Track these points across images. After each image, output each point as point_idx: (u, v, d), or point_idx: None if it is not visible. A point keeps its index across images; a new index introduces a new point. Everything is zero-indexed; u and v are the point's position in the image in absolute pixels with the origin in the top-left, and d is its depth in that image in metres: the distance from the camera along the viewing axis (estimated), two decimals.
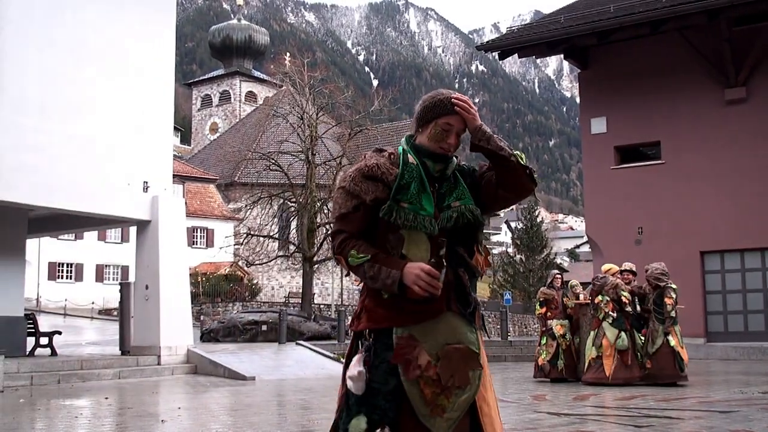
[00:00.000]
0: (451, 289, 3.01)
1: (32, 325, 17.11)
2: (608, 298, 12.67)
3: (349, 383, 2.94)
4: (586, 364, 12.82)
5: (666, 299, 12.55)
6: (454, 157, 3.17)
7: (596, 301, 12.81)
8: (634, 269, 13.49)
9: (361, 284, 3.17)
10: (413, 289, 2.87)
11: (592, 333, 12.86)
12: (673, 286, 12.94)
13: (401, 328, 2.96)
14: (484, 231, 3.41)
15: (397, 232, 3.00)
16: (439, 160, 3.11)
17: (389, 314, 2.99)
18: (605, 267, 13.49)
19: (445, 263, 2.98)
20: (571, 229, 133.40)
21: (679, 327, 12.69)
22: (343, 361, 3.13)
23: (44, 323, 21.90)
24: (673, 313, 12.61)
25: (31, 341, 16.84)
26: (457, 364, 2.96)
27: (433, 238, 3.01)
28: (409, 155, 3.11)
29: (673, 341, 12.46)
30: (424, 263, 2.91)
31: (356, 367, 2.96)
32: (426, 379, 2.92)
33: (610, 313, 12.60)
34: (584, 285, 14.91)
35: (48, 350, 16.83)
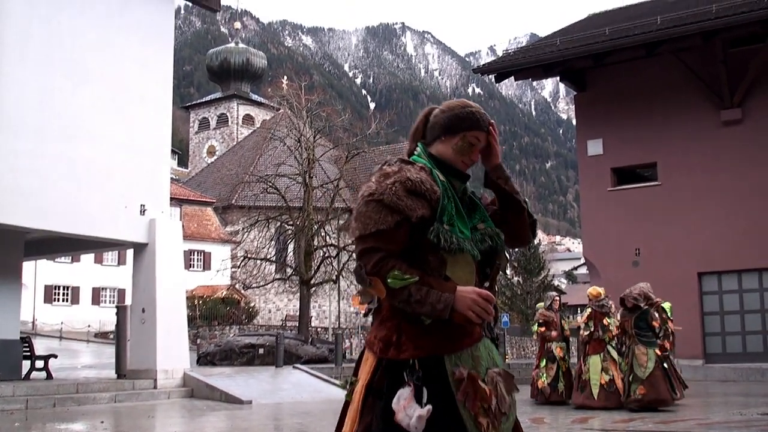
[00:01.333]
0: None
1: (28, 349, 17.03)
2: (616, 322, 12.53)
3: (406, 420, 2.60)
4: (597, 389, 12.45)
5: (654, 322, 12.30)
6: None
7: (605, 323, 12.60)
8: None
9: (362, 307, 3.01)
10: (467, 314, 2.66)
11: (596, 357, 12.64)
12: (666, 304, 12.80)
13: (454, 357, 2.73)
14: None
15: (437, 254, 2.76)
16: (461, 178, 2.95)
17: (438, 341, 2.73)
18: (594, 291, 13.25)
19: (486, 286, 2.86)
20: (569, 250, 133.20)
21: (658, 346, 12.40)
22: (351, 387, 2.87)
23: (40, 346, 21.82)
24: (660, 334, 12.44)
25: (26, 365, 16.75)
26: (501, 389, 2.80)
27: (476, 261, 2.83)
28: (436, 171, 2.89)
29: (664, 363, 12.22)
30: (474, 287, 2.73)
31: (413, 405, 2.63)
32: (480, 409, 2.72)
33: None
34: (581, 307, 14.86)
35: (43, 374, 16.74)
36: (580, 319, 13.66)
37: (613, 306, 12.87)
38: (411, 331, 2.73)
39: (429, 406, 2.61)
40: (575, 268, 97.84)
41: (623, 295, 12.51)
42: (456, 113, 2.94)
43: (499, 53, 46.28)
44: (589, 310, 12.98)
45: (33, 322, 43.53)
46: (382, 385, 2.73)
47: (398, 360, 2.72)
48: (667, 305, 13.81)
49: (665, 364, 12.63)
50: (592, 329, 12.69)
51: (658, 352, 12.17)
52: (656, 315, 12.30)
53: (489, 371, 2.78)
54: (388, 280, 2.66)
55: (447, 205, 2.81)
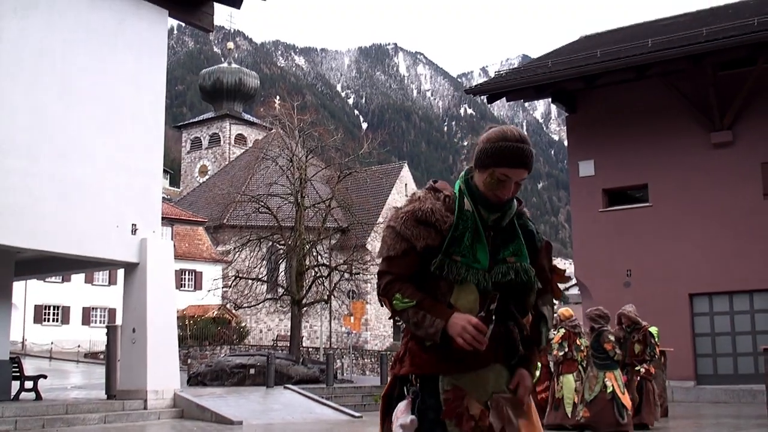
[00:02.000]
0: (501, 342, 2.93)
1: (17, 369, 16.94)
2: (586, 342, 12.51)
3: (399, 431, 2.86)
4: (571, 407, 12.45)
5: (606, 344, 12.21)
6: (514, 203, 3.03)
7: (578, 343, 12.62)
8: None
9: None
10: (457, 340, 2.78)
11: (570, 376, 12.61)
12: (653, 329, 12.78)
13: (447, 378, 2.88)
14: None
15: (446, 280, 2.89)
16: (494, 209, 2.96)
17: (434, 361, 2.90)
18: (566, 312, 13.20)
19: (493, 318, 2.88)
20: None
21: (619, 372, 12.24)
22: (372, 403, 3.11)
23: (29, 367, 21.69)
24: (617, 357, 12.35)
25: (15, 385, 16.66)
26: (507, 413, 2.90)
27: (484, 291, 2.89)
28: (465, 199, 2.96)
29: (611, 387, 12.13)
30: (472, 316, 2.82)
31: (406, 414, 2.86)
32: (479, 429, 2.85)
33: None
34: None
35: (33, 394, 16.64)
36: (554, 339, 13.60)
37: (582, 327, 12.93)
38: (414, 350, 2.94)
39: (412, 417, 2.84)
40: (567, 289, 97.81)
41: (585, 313, 12.55)
42: (487, 148, 2.96)
43: (491, 74, 46.48)
44: (562, 330, 12.92)
45: (23, 342, 43.27)
46: (394, 396, 3.00)
47: (401, 375, 2.98)
48: (654, 329, 13.78)
49: (645, 386, 12.62)
50: (566, 349, 12.69)
51: (612, 376, 11.97)
52: (610, 338, 12.11)
53: (495, 395, 2.90)
54: (393, 302, 2.88)
55: (461, 235, 2.89)
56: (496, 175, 2.92)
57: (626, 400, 11.74)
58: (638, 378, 12.72)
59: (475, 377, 2.90)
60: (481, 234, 2.92)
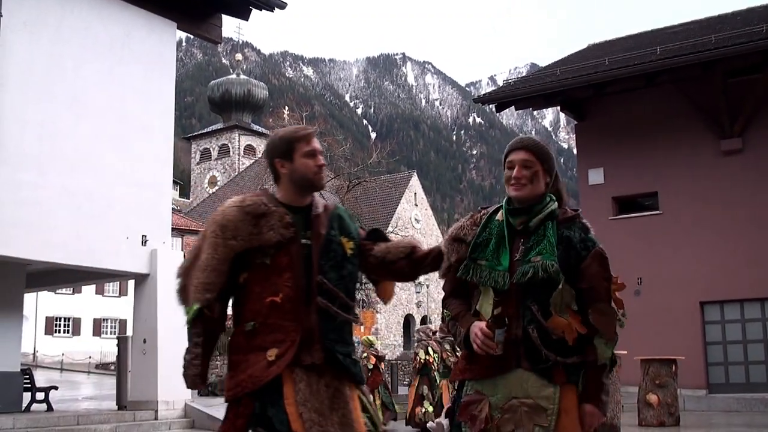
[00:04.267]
0: (520, 346, 2.99)
1: (28, 381, 16.96)
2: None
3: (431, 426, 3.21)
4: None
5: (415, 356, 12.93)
6: (549, 207, 3.17)
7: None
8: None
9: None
10: (473, 347, 3.01)
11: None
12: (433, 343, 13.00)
13: (471, 383, 3.09)
14: None
15: (478, 288, 3.11)
16: (517, 213, 3.14)
17: (465, 367, 3.14)
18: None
19: (506, 321, 2.98)
20: None
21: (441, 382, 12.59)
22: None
23: (41, 378, 21.73)
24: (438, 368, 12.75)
25: (27, 397, 16.66)
26: (521, 418, 2.95)
27: (500, 294, 3.02)
28: (500, 212, 3.20)
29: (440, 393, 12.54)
30: (486, 320, 3.00)
31: (443, 418, 3.20)
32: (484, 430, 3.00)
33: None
34: None
35: (44, 405, 16.65)
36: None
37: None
38: (458, 359, 3.28)
39: (439, 420, 3.31)
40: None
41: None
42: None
43: (500, 83, 46.46)
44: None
45: (34, 354, 43.41)
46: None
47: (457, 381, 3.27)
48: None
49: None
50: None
51: (444, 383, 12.44)
52: (420, 350, 12.86)
53: (513, 400, 2.97)
54: (444, 317, 3.33)
55: (486, 241, 3.11)
56: (506, 170, 3.18)
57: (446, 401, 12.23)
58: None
59: (497, 382, 2.99)
60: (505, 239, 3.08)
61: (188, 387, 3.20)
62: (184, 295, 3.33)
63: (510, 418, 2.94)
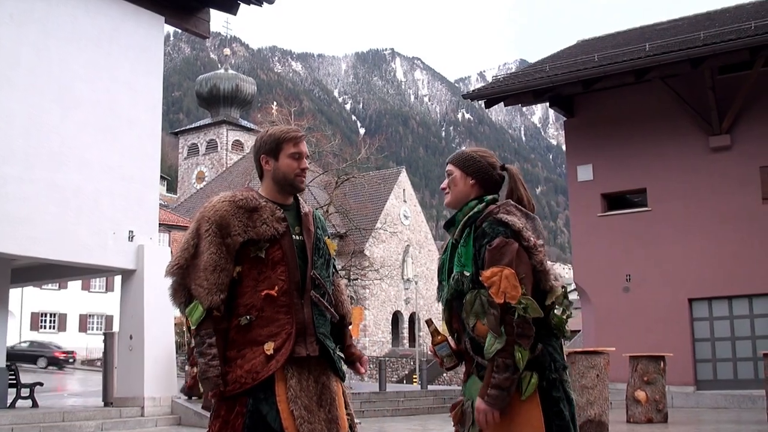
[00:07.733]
0: (464, 356, 3.26)
1: (13, 377, 16.86)
2: None
3: None
4: None
5: None
6: (470, 212, 3.21)
7: None
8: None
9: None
10: None
11: None
12: None
13: (462, 388, 3.32)
14: None
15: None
16: (448, 227, 3.31)
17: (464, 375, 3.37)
18: None
19: (440, 336, 3.27)
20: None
21: None
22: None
23: (26, 374, 21.59)
24: None
25: (12, 392, 16.57)
26: (467, 419, 3.21)
27: (447, 311, 3.26)
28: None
29: None
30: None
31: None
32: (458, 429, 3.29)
33: None
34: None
35: (29, 402, 16.55)
36: None
37: None
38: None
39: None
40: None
41: None
42: None
43: (489, 79, 46.42)
44: None
45: None
46: None
47: None
48: None
49: None
50: None
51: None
52: None
53: (466, 402, 3.21)
54: None
55: (443, 263, 3.27)
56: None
57: None
58: None
59: (467, 387, 3.21)
60: (449, 254, 3.23)
61: (209, 390, 3.12)
62: (181, 294, 3.23)
63: (460, 417, 3.22)
